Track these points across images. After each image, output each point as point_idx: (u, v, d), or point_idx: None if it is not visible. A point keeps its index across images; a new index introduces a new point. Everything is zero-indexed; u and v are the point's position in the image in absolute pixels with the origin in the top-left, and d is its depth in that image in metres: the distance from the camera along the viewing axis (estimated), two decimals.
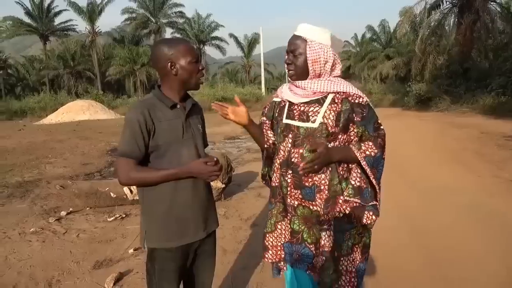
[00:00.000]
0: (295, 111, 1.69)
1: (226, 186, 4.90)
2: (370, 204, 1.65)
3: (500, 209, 4.23)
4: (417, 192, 4.93)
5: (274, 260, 1.81)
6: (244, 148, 9.61)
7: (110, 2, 38.76)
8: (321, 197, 1.62)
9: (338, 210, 1.64)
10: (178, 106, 1.65)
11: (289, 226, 1.72)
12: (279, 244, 1.78)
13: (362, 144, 1.63)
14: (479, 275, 2.84)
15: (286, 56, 1.69)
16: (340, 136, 1.63)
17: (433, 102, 19.15)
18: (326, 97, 1.64)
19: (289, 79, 1.73)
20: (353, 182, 1.66)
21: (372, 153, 1.62)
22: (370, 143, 1.63)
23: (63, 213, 4.49)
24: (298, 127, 1.66)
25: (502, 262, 3.03)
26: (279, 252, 1.79)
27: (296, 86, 1.69)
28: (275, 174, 1.76)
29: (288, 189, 1.68)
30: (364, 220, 1.64)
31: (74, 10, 38.11)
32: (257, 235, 3.77)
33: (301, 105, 1.67)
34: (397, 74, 32.21)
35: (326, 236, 1.62)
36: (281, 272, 1.84)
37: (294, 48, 1.64)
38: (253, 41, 44.45)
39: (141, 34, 40.96)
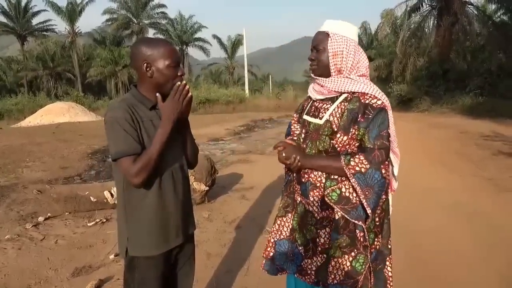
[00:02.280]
0: (312, 107, 1.67)
1: (210, 188, 4.83)
2: (359, 222, 1.48)
3: (482, 208, 4.31)
4: (402, 192, 4.95)
5: (262, 255, 1.79)
6: (228, 149, 9.54)
7: (91, 2, 38.11)
8: (316, 194, 1.56)
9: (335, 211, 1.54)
10: (158, 107, 1.58)
11: (291, 223, 1.71)
12: (272, 240, 1.75)
13: (352, 159, 1.44)
14: (465, 275, 2.87)
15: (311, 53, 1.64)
16: (339, 136, 1.49)
17: (414, 102, 19.52)
18: (340, 95, 1.57)
19: (312, 74, 1.66)
20: (343, 189, 1.51)
21: (363, 169, 1.42)
22: (361, 157, 1.43)
23: (40, 218, 4.34)
24: (310, 122, 1.65)
25: (487, 261, 3.07)
26: (268, 249, 1.76)
27: (317, 84, 1.63)
28: None
29: (294, 183, 1.68)
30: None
31: (53, 10, 37.30)
32: (242, 238, 3.73)
33: (318, 101, 1.65)
34: (378, 75, 32.62)
35: (324, 234, 1.56)
36: (278, 274, 1.77)
37: (317, 43, 1.57)
38: (237, 42, 44.35)
39: (122, 35, 40.37)
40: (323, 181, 1.54)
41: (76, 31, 38.37)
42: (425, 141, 9.38)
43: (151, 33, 40.29)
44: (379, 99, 1.50)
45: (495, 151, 7.59)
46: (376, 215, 1.53)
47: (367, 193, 1.44)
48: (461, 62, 21.26)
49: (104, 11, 38.95)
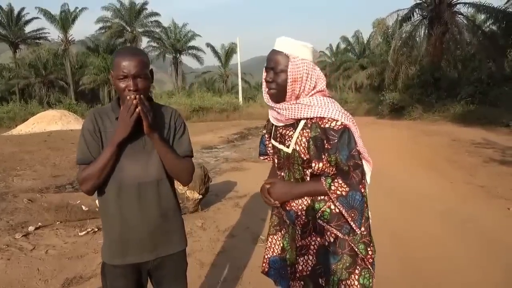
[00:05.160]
0: (277, 133, 1.64)
1: (203, 196, 4.80)
2: (351, 238, 1.50)
3: (474, 215, 4.34)
4: (395, 199, 4.99)
5: (261, 271, 1.81)
6: (221, 157, 9.53)
7: (84, 10, 38.11)
8: (299, 222, 1.57)
9: (324, 238, 1.53)
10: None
11: (281, 241, 1.72)
12: (266, 257, 1.78)
13: (332, 184, 1.45)
14: (458, 281, 2.87)
15: (265, 74, 1.54)
16: (314, 165, 1.48)
17: (406, 110, 19.71)
18: (299, 120, 1.52)
19: (268, 99, 1.58)
20: (332, 206, 1.51)
21: (343, 193, 1.44)
22: (340, 181, 1.44)
23: (31, 228, 4.27)
24: (279, 149, 1.63)
25: (480, 267, 3.08)
26: (264, 265, 1.80)
27: (274, 110, 1.58)
28: None
29: (280, 208, 1.69)
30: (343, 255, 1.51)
31: (46, 18, 37.17)
32: (235, 246, 3.70)
33: (281, 127, 1.61)
34: (371, 83, 33.00)
35: (303, 262, 1.57)
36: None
37: (275, 64, 1.48)
38: (230, 51, 44.52)
39: (116, 43, 40.32)
40: (304, 208, 1.56)
41: (69, 39, 38.23)
42: (418, 149, 9.44)
43: (144, 41, 40.36)
44: (338, 120, 1.45)
45: (486, 158, 7.67)
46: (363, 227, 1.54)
47: (352, 215, 1.46)
48: (452, 71, 21.55)
49: (98, 19, 38.92)
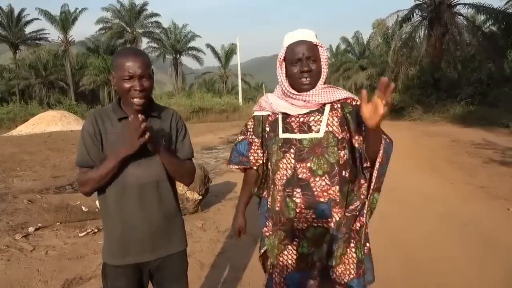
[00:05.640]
0: (293, 124, 1.56)
1: (203, 197, 4.80)
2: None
3: (474, 216, 4.33)
4: (395, 199, 4.98)
5: None
6: (221, 158, 9.53)
7: (84, 11, 38.16)
8: (338, 211, 1.53)
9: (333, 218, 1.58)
10: (130, 119, 1.51)
11: (296, 252, 1.57)
12: (282, 279, 1.61)
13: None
14: (458, 283, 2.87)
15: (296, 65, 1.51)
16: (357, 137, 1.52)
17: (406, 111, 19.72)
18: (325, 104, 1.55)
19: (292, 90, 1.55)
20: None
21: (388, 139, 1.48)
22: (383, 135, 1.50)
23: (31, 229, 4.27)
24: (300, 140, 1.53)
25: (480, 269, 3.08)
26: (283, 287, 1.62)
27: (293, 98, 1.55)
28: (276, 198, 1.60)
29: (297, 210, 1.53)
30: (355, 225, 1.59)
31: (46, 19, 37.22)
32: (235, 247, 3.70)
33: (300, 116, 1.55)
34: (371, 84, 32.99)
35: (343, 245, 1.58)
36: None
37: (311, 54, 1.50)
38: (230, 51, 44.59)
39: (116, 43, 40.35)
40: (339, 195, 1.53)
41: (69, 39, 38.27)
42: (418, 149, 9.44)
43: (144, 42, 40.40)
44: (358, 100, 1.53)
45: (486, 159, 7.66)
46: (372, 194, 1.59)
47: (385, 158, 1.48)
48: (452, 72, 21.57)
49: (98, 20, 38.98)
